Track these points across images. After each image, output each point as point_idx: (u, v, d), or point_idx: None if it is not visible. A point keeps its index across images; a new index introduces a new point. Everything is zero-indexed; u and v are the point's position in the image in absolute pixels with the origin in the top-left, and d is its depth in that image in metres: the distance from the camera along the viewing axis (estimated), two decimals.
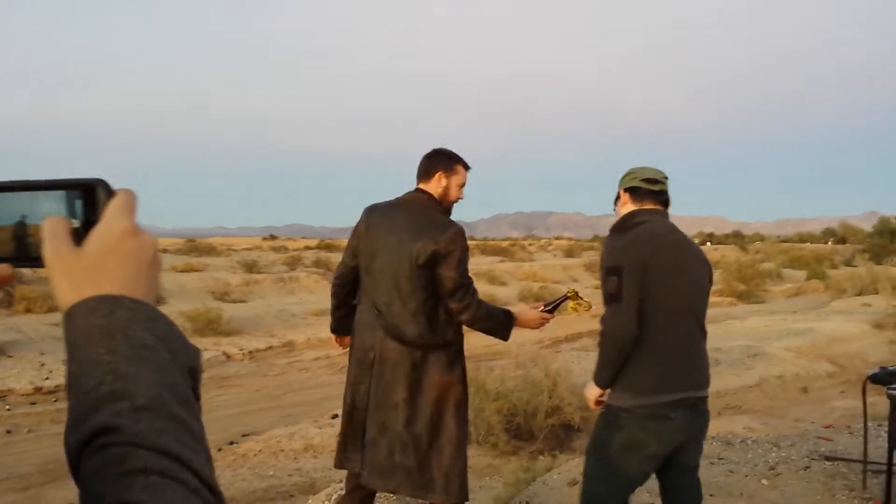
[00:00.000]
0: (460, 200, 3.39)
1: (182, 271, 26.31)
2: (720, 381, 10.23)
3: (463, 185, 3.37)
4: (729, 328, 16.05)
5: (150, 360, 0.61)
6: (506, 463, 6.68)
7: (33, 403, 10.60)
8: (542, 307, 3.37)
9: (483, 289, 24.82)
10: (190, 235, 73.97)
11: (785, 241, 69.96)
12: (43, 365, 12.81)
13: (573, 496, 3.97)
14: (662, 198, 2.89)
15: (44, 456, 8.18)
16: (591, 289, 16.33)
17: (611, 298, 2.68)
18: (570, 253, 44.54)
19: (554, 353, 11.41)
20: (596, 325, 2.82)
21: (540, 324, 3.36)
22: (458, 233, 3.17)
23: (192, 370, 0.66)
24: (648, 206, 2.85)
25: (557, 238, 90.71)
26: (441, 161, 3.34)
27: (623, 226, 2.81)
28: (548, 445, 7.07)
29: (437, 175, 3.30)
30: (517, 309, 3.44)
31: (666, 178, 2.91)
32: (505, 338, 3.33)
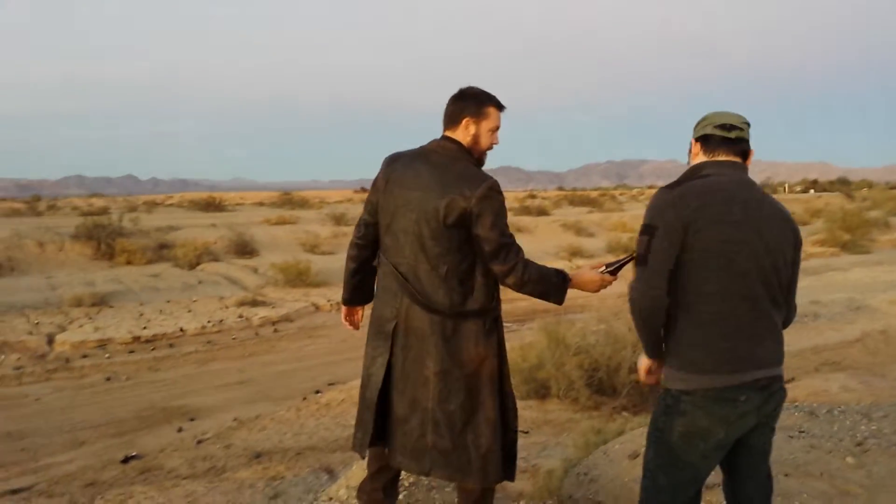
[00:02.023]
0: (495, 146, 3.02)
1: (275, 224, 27.07)
2: (819, 336, 9.78)
3: (496, 128, 2.98)
4: (830, 280, 15.33)
5: None
6: (587, 418, 6.57)
7: (132, 352, 11.10)
8: (604, 268, 3.00)
9: (570, 240, 24.58)
10: (285, 189, 75.97)
11: (894, 187, 66.69)
12: (142, 315, 13.40)
13: (631, 470, 3.76)
14: (740, 147, 2.54)
15: (140, 403, 8.56)
16: None
17: (638, 261, 2.42)
18: None
19: None
20: None
21: (599, 287, 2.99)
22: (492, 186, 2.82)
23: None
24: (721, 156, 2.53)
25: (650, 187, 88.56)
26: (469, 104, 2.94)
27: (678, 180, 2.52)
28: (631, 401, 6.89)
29: (464, 121, 2.93)
30: (574, 270, 3.09)
31: (747, 124, 2.56)
32: (559, 302, 2.96)
